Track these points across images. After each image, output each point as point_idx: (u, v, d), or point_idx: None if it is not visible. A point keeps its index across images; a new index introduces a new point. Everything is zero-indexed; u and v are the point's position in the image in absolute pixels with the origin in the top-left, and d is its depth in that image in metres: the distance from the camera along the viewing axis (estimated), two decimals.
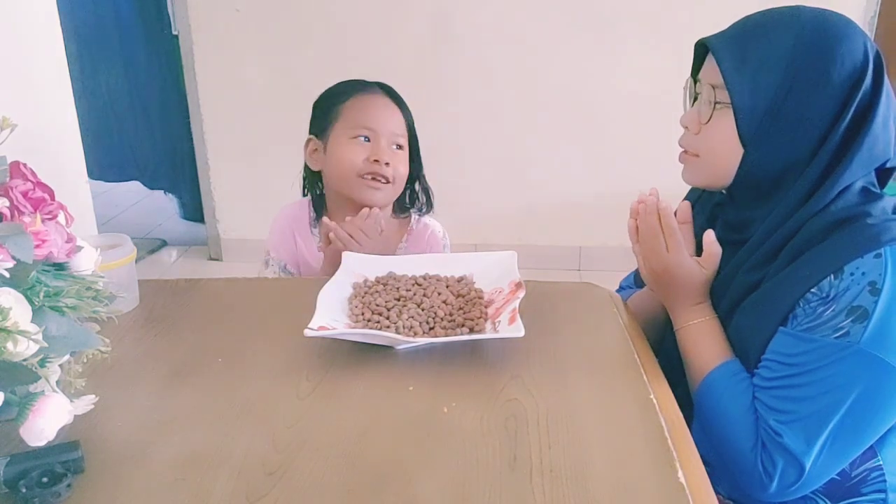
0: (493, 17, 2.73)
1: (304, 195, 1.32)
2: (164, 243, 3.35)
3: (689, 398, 0.90)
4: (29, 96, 1.34)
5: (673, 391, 0.78)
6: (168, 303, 0.99)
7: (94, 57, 3.24)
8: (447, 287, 0.96)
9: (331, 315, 0.87)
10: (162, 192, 3.62)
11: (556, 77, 2.78)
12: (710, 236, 0.89)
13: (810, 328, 0.77)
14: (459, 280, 0.99)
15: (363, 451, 0.66)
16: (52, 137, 1.40)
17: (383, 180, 1.20)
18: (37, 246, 0.61)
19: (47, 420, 0.58)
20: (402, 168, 1.22)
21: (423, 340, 0.84)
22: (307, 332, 0.80)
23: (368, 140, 1.20)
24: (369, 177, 1.19)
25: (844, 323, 0.75)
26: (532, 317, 0.87)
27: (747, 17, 0.86)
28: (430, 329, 0.87)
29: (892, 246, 0.76)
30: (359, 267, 1.00)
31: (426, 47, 2.79)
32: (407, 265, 1.02)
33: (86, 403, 0.64)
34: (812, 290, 0.78)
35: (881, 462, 0.82)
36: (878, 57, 0.81)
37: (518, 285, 0.92)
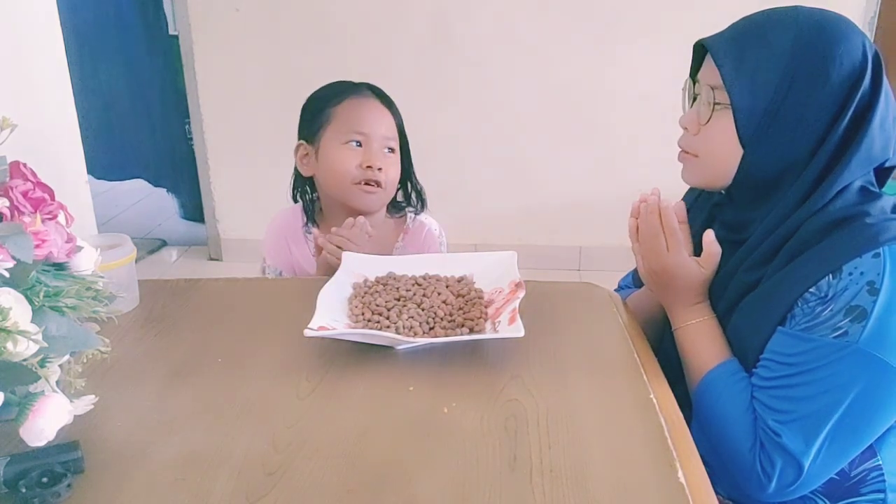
0: (493, 17, 2.73)
1: (295, 201, 1.31)
2: (164, 243, 3.35)
3: (688, 398, 0.90)
4: (29, 96, 1.34)
5: (672, 391, 0.78)
6: (168, 303, 0.99)
7: (94, 57, 3.24)
8: (447, 287, 0.96)
9: (331, 315, 0.87)
10: (164, 190, 3.62)
11: (557, 77, 2.78)
12: (709, 236, 0.89)
13: (809, 328, 0.77)
14: (459, 280, 0.99)
15: (363, 451, 0.66)
16: (52, 137, 1.40)
17: (376, 185, 1.19)
18: (37, 246, 0.61)
19: (47, 420, 0.58)
20: (393, 171, 1.22)
21: (423, 340, 0.84)
22: (307, 332, 0.80)
23: (360, 145, 1.19)
24: (363, 183, 1.19)
25: (843, 322, 0.75)
26: (532, 317, 0.87)
27: (746, 18, 0.86)
28: (430, 329, 0.87)
29: (891, 246, 0.76)
30: (359, 267, 1.00)
31: (426, 47, 2.79)
32: (407, 265, 1.02)
33: (86, 403, 0.64)
34: (810, 289, 0.78)
35: (880, 462, 0.82)
36: (876, 56, 0.81)
37: (518, 285, 0.92)
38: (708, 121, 0.86)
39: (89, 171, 1.54)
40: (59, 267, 0.66)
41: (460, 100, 2.83)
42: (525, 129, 2.87)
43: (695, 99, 0.90)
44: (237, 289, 1.06)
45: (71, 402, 0.62)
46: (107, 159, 3.41)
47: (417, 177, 1.31)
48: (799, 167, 0.83)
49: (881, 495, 0.83)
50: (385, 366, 0.81)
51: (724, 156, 0.86)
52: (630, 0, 2.67)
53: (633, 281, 1.16)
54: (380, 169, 1.19)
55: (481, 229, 2.94)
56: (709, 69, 0.86)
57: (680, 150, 0.92)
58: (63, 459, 0.61)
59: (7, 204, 0.63)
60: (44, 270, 0.63)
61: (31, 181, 0.66)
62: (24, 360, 0.56)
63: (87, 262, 0.67)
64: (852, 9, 2.53)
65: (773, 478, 0.77)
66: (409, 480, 0.62)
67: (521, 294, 0.88)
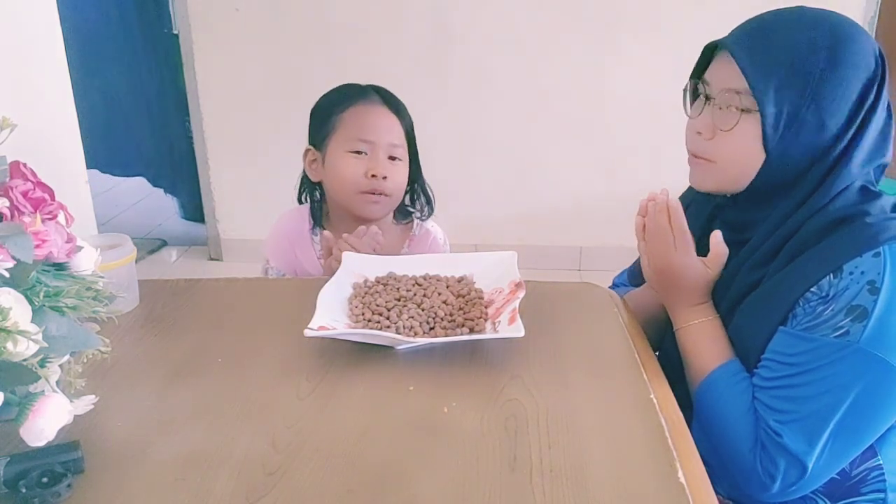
0: (493, 18, 2.73)
1: (301, 203, 1.31)
2: (164, 243, 3.35)
3: (689, 398, 0.89)
4: (29, 96, 1.34)
5: (672, 390, 0.78)
6: (168, 303, 0.99)
7: (95, 56, 3.24)
8: (447, 287, 0.96)
9: (331, 315, 0.87)
10: (162, 190, 3.61)
11: (557, 77, 2.78)
12: (717, 237, 0.89)
13: (810, 327, 0.77)
14: (459, 280, 0.99)
15: (363, 452, 0.66)
16: (52, 137, 1.40)
17: (381, 194, 1.19)
18: (37, 246, 0.61)
19: (47, 420, 0.58)
20: (399, 179, 1.21)
21: (423, 340, 0.84)
22: (307, 332, 0.80)
23: (366, 153, 1.18)
24: (368, 192, 1.18)
25: (844, 322, 0.75)
26: (532, 317, 0.87)
27: (761, 21, 0.84)
28: (431, 329, 0.87)
29: (891, 245, 0.76)
30: (359, 267, 1.00)
31: (426, 47, 2.79)
32: (407, 265, 1.02)
33: (86, 403, 0.64)
34: (812, 289, 0.78)
35: (881, 461, 0.82)
36: (882, 58, 0.82)
37: (518, 285, 0.92)
38: (733, 126, 0.83)
39: (94, 166, 1.54)
40: (59, 267, 0.65)
41: (460, 100, 2.84)
42: (525, 130, 2.87)
43: (703, 99, 0.88)
44: (237, 289, 1.06)
45: (71, 402, 0.62)
46: (111, 155, 3.42)
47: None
48: (808, 169, 0.83)
49: (881, 495, 0.83)
50: (385, 366, 0.81)
51: (745, 161, 0.84)
52: (630, 1, 2.67)
53: (629, 279, 1.15)
54: (385, 178, 1.18)
55: (482, 229, 2.94)
56: (725, 72, 0.84)
57: (690, 154, 0.90)
58: (63, 459, 0.61)
59: (7, 204, 0.63)
60: (44, 270, 0.63)
61: (31, 181, 0.66)
62: (24, 360, 0.56)
63: (87, 262, 0.67)
64: (852, 9, 2.53)
65: (777, 478, 0.77)
66: (409, 480, 0.62)
67: (521, 294, 0.88)
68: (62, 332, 0.59)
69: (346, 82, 1.27)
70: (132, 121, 3.41)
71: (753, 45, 0.82)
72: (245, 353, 0.85)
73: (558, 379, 0.78)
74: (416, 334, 0.85)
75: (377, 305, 0.90)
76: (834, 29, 0.80)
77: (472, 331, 0.86)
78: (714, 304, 0.91)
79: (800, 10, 0.83)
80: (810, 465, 0.76)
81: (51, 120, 1.41)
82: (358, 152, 1.18)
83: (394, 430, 0.70)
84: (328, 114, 1.22)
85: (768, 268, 0.84)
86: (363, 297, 0.93)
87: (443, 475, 0.62)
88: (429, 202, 1.31)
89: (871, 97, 0.80)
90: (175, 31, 2.88)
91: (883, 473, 0.83)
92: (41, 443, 0.59)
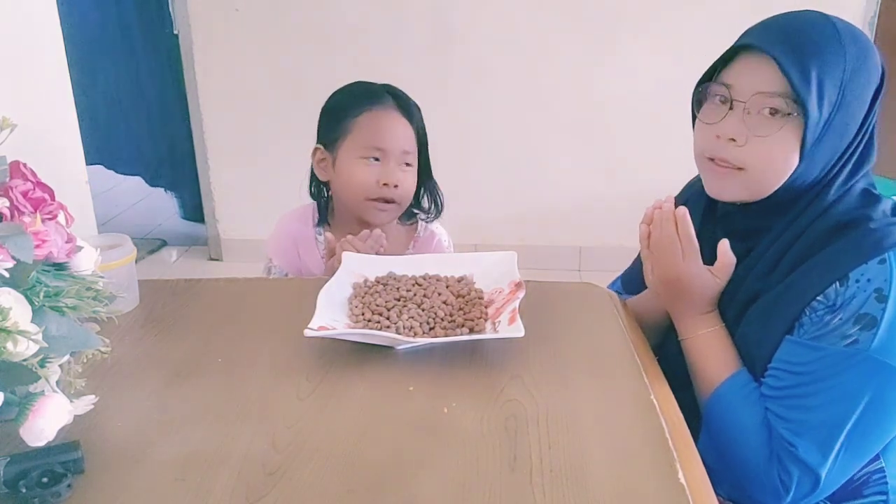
0: (493, 18, 2.73)
1: (313, 198, 1.30)
2: (164, 243, 3.35)
3: (693, 404, 0.88)
4: (29, 96, 1.34)
5: (675, 397, 0.77)
6: (168, 303, 0.99)
7: (95, 56, 3.24)
8: (447, 287, 0.95)
9: (331, 315, 0.87)
10: (162, 190, 3.62)
11: (557, 78, 2.78)
12: (724, 245, 0.86)
13: (818, 337, 0.77)
14: (459, 280, 0.99)
15: (363, 452, 0.66)
16: (52, 138, 1.40)
17: (390, 202, 1.18)
18: (37, 246, 0.61)
19: (47, 420, 0.58)
20: (410, 185, 1.20)
21: (423, 341, 0.84)
22: (307, 333, 0.80)
23: (378, 160, 1.17)
24: (377, 200, 1.18)
25: (853, 331, 0.75)
26: (532, 317, 0.87)
27: (786, 23, 0.81)
28: (431, 329, 0.87)
29: None
30: (359, 267, 1.00)
31: (426, 47, 2.79)
32: (407, 265, 1.02)
33: (86, 403, 0.64)
34: (818, 297, 0.77)
35: (883, 464, 0.82)
36: (882, 65, 0.83)
37: (518, 285, 0.92)
38: (773, 132, 0.80)
39: (98, 161, 1.54)
40: (60, 267, 0.65)
41: (460, 100, 2.83)
42: (525, 130, 2.87)
43: (725, 103, 0.83)
44: (237, 289, 1.06)
45: (71, 402, 0.62)
46: (114, 152, 3.42)
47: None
48: (828, 174, 0.82)
49: (883, 497, 0.83)
50: (385, 366, 0.81)
51: (779, 168, 0.81)
52: (629, 1, 2.67)
53: (623, 286, 1.13)
54: (396, 186, 1.17)
55: (482, 229, 2.94)
56: (758, 75, 0.80)
57: (710, 160, 0.86)
58: (63, 459, 0.61)
59: (7, 204, 0.63)
60: (44, 270, 0.63)
61: (31, 181, 0.65)
62: (24, 360, 0.56)
63: (87, 262, 0.67)
64: (852, 9, 2.53)
65: (791, 489, 0.77)
66: (409, 480, 0.62)
67: (521, 294, 0.88)
68: (62, 332, 0.59)
69: (349, 81, 1.25)
70: (132, 121, 3.41)
71: (790, 48, 0.78)
72: (245, 353, 0.85)
73: (558, 379, 0.78)
74: (416, 334, 0.85)
75: (377, 305, 0.90)
76: (850, 32, 0.80)
77: (472, 331, 0.86)
78: (720, 313, 0.89)
79: (815, 13, 0.81)
80: (823, 476, 0.76)
81: (51, 120, 1.40)
82: (370, 159, 1.17)
83: (394, 430, 0.70)
84: (341, 116, 1.20)
85: (774, 275, 0.83)
86: (363, 297, 0.93)
87: (443, 475, 0.62)
88: (436, 204, 1.29)
89: (877, 100, 0.81)
90: (175, 32, 2.88)
91: (885, 476, 0.83)
92: (41, 443, 0.59)
